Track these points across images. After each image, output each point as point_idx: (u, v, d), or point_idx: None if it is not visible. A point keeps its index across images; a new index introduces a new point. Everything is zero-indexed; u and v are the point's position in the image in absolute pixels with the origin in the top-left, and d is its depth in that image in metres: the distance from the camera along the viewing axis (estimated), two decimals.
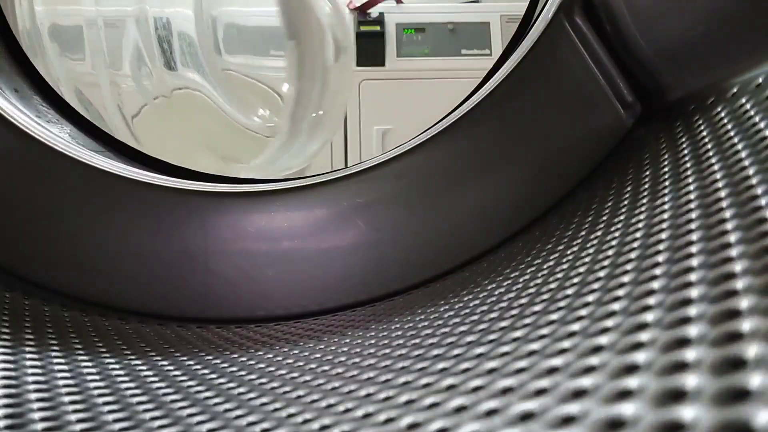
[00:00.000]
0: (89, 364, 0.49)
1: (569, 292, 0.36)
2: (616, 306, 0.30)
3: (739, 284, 0.25)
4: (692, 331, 0.23)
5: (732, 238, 0.29)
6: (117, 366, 0.49)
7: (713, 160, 0.41)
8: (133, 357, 0.52)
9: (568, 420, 0.22)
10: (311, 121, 1.60)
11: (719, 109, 0.48)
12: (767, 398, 0.18)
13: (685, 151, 0.47)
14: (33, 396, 0.41)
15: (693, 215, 0.35)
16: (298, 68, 1.56)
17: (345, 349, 0.48)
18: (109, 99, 1.61)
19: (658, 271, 0.31)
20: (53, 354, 0.50)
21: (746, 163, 0.36)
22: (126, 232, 0.67)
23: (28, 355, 0.48)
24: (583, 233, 0.47)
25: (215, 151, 1.67)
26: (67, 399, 0.41)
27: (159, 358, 0.53)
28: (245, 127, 1.70)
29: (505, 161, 0.66)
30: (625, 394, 0.22)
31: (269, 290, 0.67)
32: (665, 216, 0.38)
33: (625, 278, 0.33)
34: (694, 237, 0.32)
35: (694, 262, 0.29)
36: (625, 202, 0.47)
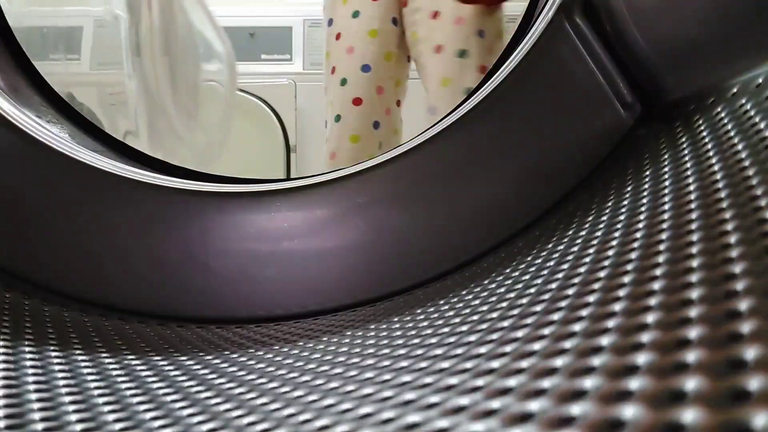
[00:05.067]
0: (89, 364, 0.49)
1: (570, 292, 0.36)
2: (616, 307, 0.30)
3: (740, 285, 0.25)
4: (692, 332, 0.23)
5: (732, 238, 0.29)
6: (117, 366, 0.49)
7: (713, 160, 0.41)
8: (133, 357, 0.52)
9: (568, 421, 0.22)
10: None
11: (719, 109, 0.48)
12: (766, 400, 0.18)
13: (685, 151, 0.47)
14: (33, 396, 0.41)
15: (693, 215, 0.35)
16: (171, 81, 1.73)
17: (345, 349, 0.48)
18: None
19: (658, 272, 0.31)
20: (53, 354, 0.50)
21: (746, 163, 0.36)
22: (126, 232, 0.67)
23: (28, 355, 0.48)
24: (584, 233, 0.47)
25: None
26: (67, 399, 0.41)
27: (159, 358, 0.53)
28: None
29: (505, 161, 0.66)
30: (624, 396, 0.22)
31: (269, 290, 0.67)
32: (665, 216, 0.38)
33: (626, 279, 0.33)
34: (694, 237, 0.32)
35: (695, 262, 0.29)
36: (625, 202, 0.47)
